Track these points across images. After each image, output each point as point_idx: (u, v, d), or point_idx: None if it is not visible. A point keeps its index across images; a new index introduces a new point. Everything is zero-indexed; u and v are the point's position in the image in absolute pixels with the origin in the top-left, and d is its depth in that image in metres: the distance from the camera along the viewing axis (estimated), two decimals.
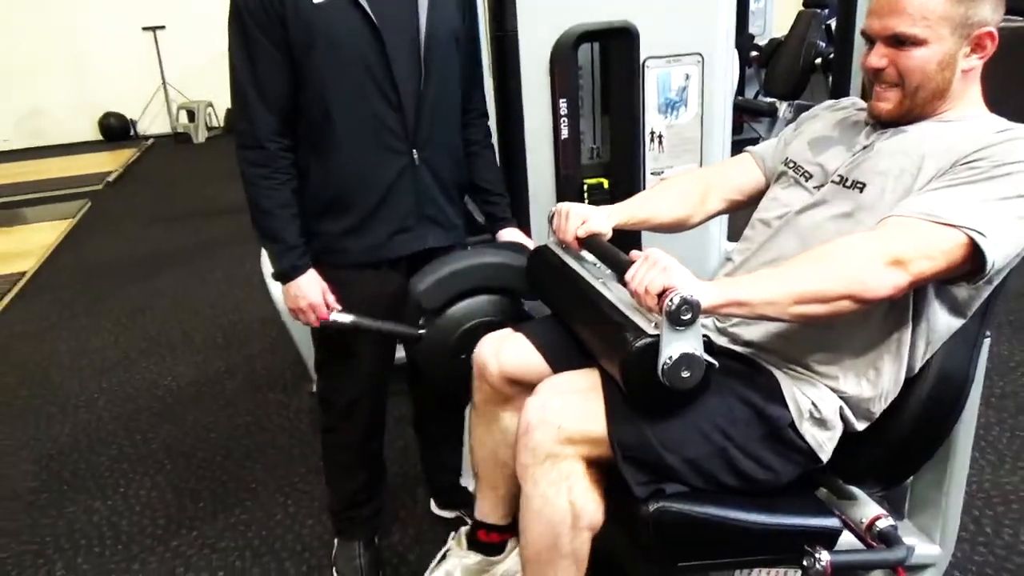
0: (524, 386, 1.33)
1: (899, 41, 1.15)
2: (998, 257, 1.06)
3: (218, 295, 3.74)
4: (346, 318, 1.52)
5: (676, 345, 1.03)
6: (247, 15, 1.40)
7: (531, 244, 1.70)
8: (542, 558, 1.19)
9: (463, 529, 1.55)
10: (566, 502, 1.14)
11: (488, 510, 1.48)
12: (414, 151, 1.51)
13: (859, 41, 3.85)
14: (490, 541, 1.50)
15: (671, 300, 1.00)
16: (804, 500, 1.29)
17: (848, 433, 1.24)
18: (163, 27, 7.55)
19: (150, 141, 7.80)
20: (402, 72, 1.45)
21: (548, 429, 1.14)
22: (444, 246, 1.61)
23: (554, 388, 1.20)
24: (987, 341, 1.32)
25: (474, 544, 1.50)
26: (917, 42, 1.14)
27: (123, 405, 2.77)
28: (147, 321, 3.52)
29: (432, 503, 2.04)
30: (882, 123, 1.24)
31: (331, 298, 1.54)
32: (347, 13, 1.40)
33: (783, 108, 5.33)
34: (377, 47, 1.42)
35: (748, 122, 5.56)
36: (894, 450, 1.29)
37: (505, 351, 1.36)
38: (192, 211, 5.17)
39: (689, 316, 1.01)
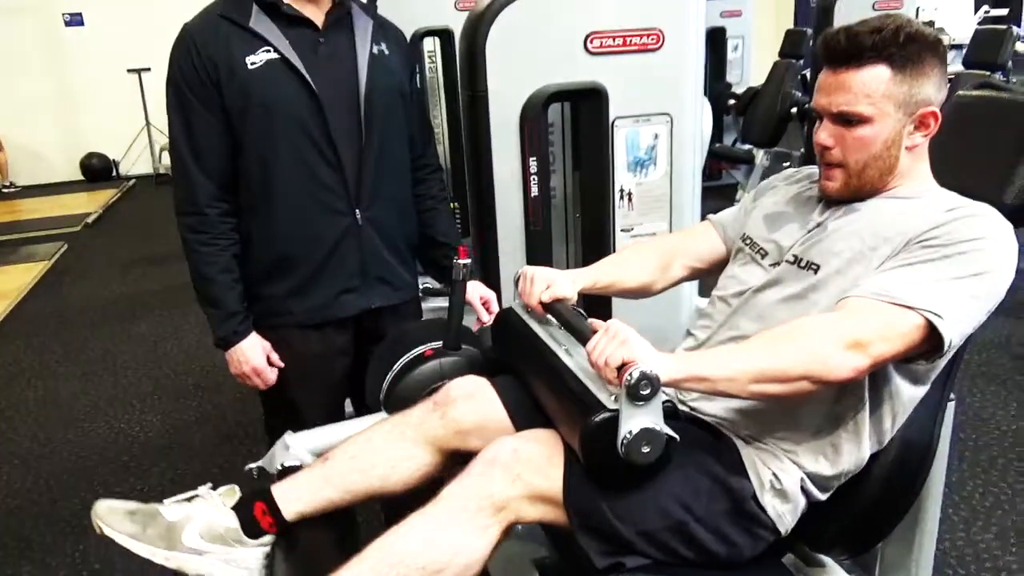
0: (472, 438, 1.28)
1: (845, 119, 1.17)
2: (955, 337, 1.06)
3: (192, 341, 3.70)
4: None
5: (636, 420, 1.01)
6: (182, 81, 1.41)
7: (493, 297, 1.70)
8: (387, 574, 1.06)
9: (231, 487, 1.27)
10: (467, 549, 1.08)
11: (294, 495, 1.23)
12: (357, 211, 1.50)
13: None
14: (262, 523, 1.21)
15: (630, 374, 0.99)
16: (771, 570, 1.27)
17: (812, 502, 1.22)
18: (148, 69, 7.57)
19: (132, 182, 7.78)
20: (341, 131, 1.45)
21: (510, 473, 1.11)
22: (394, 305, 1.60)
23: (529, 438, 1.17)
24: (951, 405, 1.32)
25: (241, 512, 1.23)
26: (862, 120, 1.15)
27: (88, 457, 2.72)
28: (118, 368, 3.47)
29: None
30: (831, 200, 1.25)
31: (275, 357, 1.53)
32: (281, 76, 1.41)
33: (760, 155, 5.42)
34: (314, 107, 1.43)
35: (727, 169, 5.65)
36: (861, 518, 1.28)
37: (477, 398, 1.32)
38: (170, 254, 5.11)
39: (648, 391, 1.00)
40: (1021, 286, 1.13)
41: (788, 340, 1.08)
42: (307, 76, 1.41)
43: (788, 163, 5.37)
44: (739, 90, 5.85)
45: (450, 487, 1.12)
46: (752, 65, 6.17)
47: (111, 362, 3.54)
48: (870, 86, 1.14)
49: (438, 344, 1.47)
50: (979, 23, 6.29)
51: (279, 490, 1.25)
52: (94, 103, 7.79)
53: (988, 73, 3.85)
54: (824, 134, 1.20)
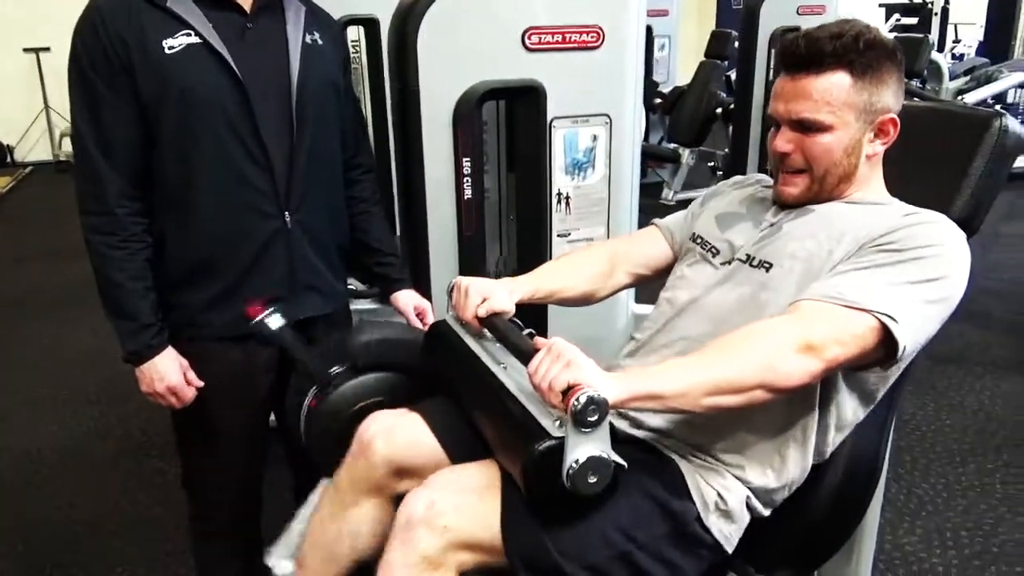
0: (407, 476, 1.20)
1: (805, 127, 1.14)
2: (909, 342, 1.04)
3: (94, 343, 3.44)
4: (275, 323, 1.32)
5: (583, 448, 0.94)
6: (88, 64, 1.25)
7: (429, 307, 1.60)
8: None
9: None
10: None
11: None
12: (286, 213, 1.37)
13: (758, 92, 3.99)
14: None
15: (577, 399, 0.91)
16: None
17: (757, 521, 1.18)
18: (47, 48, 7.09)
19: (28, 169, 7.27)
20: (269, 126, 1.32)
21: (433, 530, 1.03)
22: (323, 315, 1.48)
23: (446, 483, 1.09)
24: (894, 417, 1.31)
25: None
26: (823, 128, 1.13)
27: None
28: (13, 372, 3.20)
29: None
30: (788, 206, 1.22)
31: (192, 375, 1.38)
32: (204, 62, 1.27)
33: (686, 154, 5.49)
34: (239, 99, 1.29)
35: (653, 167, 5.68)
36: (806, 538, 1.25)
37: (398, 433, 1.23)
38: (71, 247, 4.75)
39: (596, 417, 0.92)
40: None
41: (739, 348, 1.03)
42: (232, 64, 1.27)
43: (712, 162, 5.47)
44: (665, 89, 5.89)
45: (382, 563, 1.06)
46: (678, 64, 6.24)
47: (3, 366, 3.26)
48: (831, 93, 1.11)
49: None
50: (890, 31, 6.54)
51: None
52: None
53: (906, 81, 3.97)
54: (782, 141, 1.16)
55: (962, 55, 7.39)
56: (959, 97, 4.95)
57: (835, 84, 1.11)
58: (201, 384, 1.39)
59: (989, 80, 5.06)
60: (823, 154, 1.15)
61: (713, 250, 1.28)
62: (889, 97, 1.14)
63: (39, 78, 7.19)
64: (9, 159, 7.49)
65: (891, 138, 1.17)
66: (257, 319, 1.31)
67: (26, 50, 7.10)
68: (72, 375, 3.15)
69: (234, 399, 1.45)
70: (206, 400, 1.42)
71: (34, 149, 7.54)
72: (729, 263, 1.23)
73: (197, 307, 1.38)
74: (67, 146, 7.25)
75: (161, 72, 1.25)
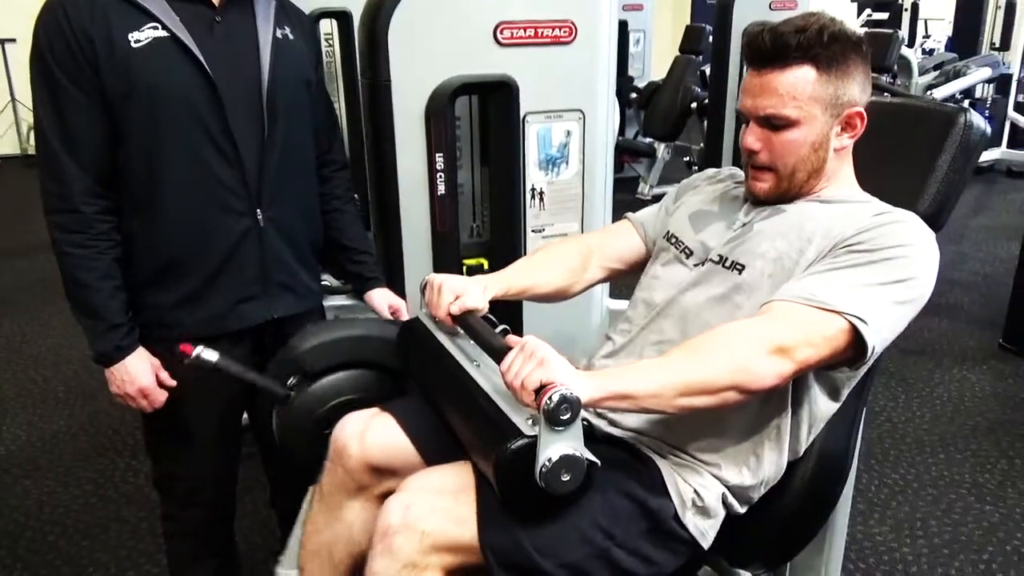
0: (386, 475, 1.21)
1: (772, 123, 1.14)
2: (878, 343, 1.05)
3: (62, 342, 3.38)
4: (211, 356, 1.30)
5: (555, 447, 0.94)
6: (50, 58, 1.22)
7: (403, 305, 1.59)
8: None
9: None
10: None
11: None
12: (258, 211, 1.35)
13: (732, 87, 4.02)
14: None
15: (550, 398, 0.91)
16: None
17: (731, 516, 1.19)
18: (12, 40, 6.94)
19: None
20: (240, 123, 1.30)
21: (411, 535, 1.02)
22: (296, 314, 1.46)
23: (421, 487, 1.08)
24: (863, 412, 1.32)
25: None
26: (789, 123, 1.13)
27: None
28: None
29: None
30: (759, 202, 1.23)
31: (164, 375, 1.35)
32: (171, 56, 1.24)
33: (661, 149, 5.51)
34: (209, 94, 1.26)
35: (629, 162, 5.69)
36: (779, 531, 1.26)
37: (371, 434, 1.23)
38: (38, 244, 4.69)
39: (569, 415, 0.92)
40: None
41: (711, 349, 1.03)
42: (201, 58, 1.25)
43: (688, 157, 5.49)
44: (640, 84, 5.90)
45: (367, 573, 1.06)
46: (653, 59, 6.25)
47: None
48: (796, 88, 1.11)
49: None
50: (861, 26, 6.60)
51: None
52: None
53: (876, 76, 4.02)
54: (751, 138, 1.17)
55: (932, 50, 7.48)
56: (928, 92, 5.02)
57: (800, 78, 1.11)
58: (173, 384, 1.37)
59: (958, 75, 5.13)
60: (791, 150, 1.15)
61: (687, 251, 1.28)
62: (855, 90, 1.14)
63: (4, 70, 7.04)
64: None
65: (858, 131, 1.17)
66: (192, 355, 1.29)
67: None
68: (40, 374, 3.10)
69: (206, 399, 1.43)
70: (177, 400, 1.40)
71: (1, 142, 7.38)
72: (702, 264, 1.23)
73: (166, 307, 1.36)
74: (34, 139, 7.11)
75: (127, 67, 1.22)
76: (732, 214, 1.26)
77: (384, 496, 1.14)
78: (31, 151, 7.11)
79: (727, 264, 1.19)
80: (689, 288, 1.22)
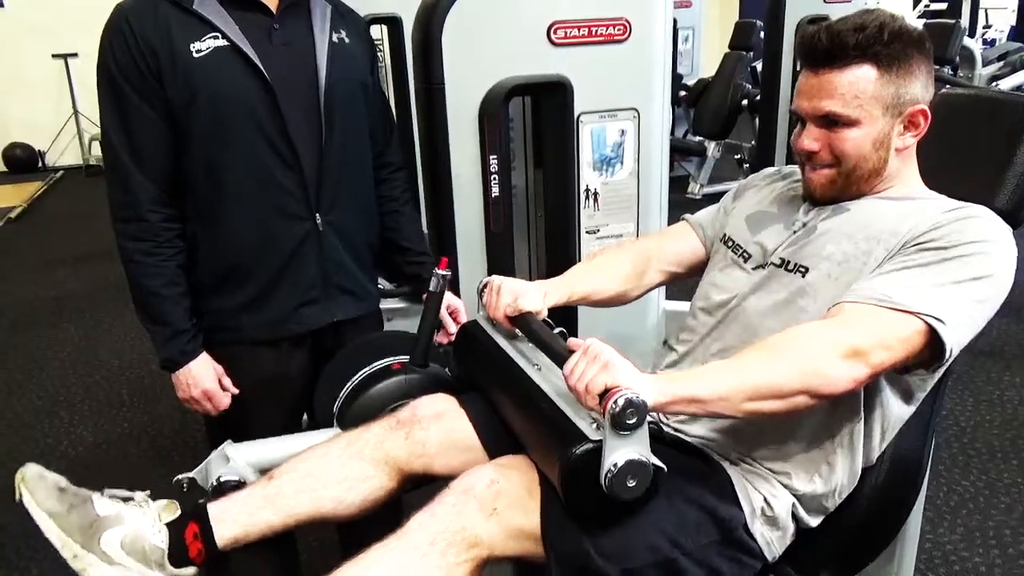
0: (435, 462, 1.18)
1: (831, 122, 1.10)
2: (956, 344, 1.01)
3: (125, 346, 3.48)
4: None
5: (621, 451, 0.92)
6: (116, 71, 1.25)
7: (461, 305, 1.59)
8: None
9: (172, 502, 1.11)
10: None
11: (231, 517, 1.09)
12: (317, 215, 1.36)
13: (784, 83, 3.92)
14: (190, 550, 1.06)
15: (615, 402, 0.89)
16: None
17: (801, 528, 1.15)
18: (75, 54, 7.19)
19: (59, 173, 7.37)
20: (299, 128, 1.31)
21: (485, 507, 1.01)
22: (356, 317, 1.47)
23: (508, 468, 1.07)
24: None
25: (174, 532, 1.07)
26: (850, 123, 1.09)
27: (9, 476, 2.47)
28: (45, 376, 3.24)
29: None
30: (817, 201, 1.19)
31: (227, 381, 1.38)
32: (232, 65, 1.26)
33: (712, 147, 5.42)
34: (268, 101, 1.28)
35: (678, 161, 5.62)
36: (850, 541, 1.21)
37: (448, 418, 1.21)
38: (101, 251, 4.83)
39: (635, 420, 0.91)
40: None
41: (782, 352, 1.00)
42: (260, 66, 1.27)
43: (739, 155, 5.40)
44: (690, 82, 5.83)
45: (419, 517, 1.02)
46: (703, 56, 6.17)
47: (36, 370, 3.30)
48: (856, 87, 1.07)
49: (404, 358, 1.34)
50: (919, 17, 6.41)
51: (216, 508, 1.09)
52: (17, 90, 7.33)
53: (938, 68, 3.89)
54: (808, 139, 1.13)
55: (994, 40, 7.23)
56: (993, 83, 4.84)
57: (860, 78, 1.07)
58: (236, 391, 1.39)
59: None
60: (851, 149, 1.11)
61: (745, 254, 1.24)
62: (918, 88, 1.10)
63: (68, 84, 7.29)
64: (40, 164, 7.61)
65: (922, 130, 1.13)
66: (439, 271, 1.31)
67: (55, 56, 7.19)
68: (104, 377, 3.19)
69: (267, 402, 1.45)
70: (237, 405, 1.42)
71: (64, 154, 7.64)
72: (763, 267, 1.20)
73: (229, 311, 1.38)
74: (96, 150, 7.34)
75: (189, 77, 1.25)
76: (791, 215, 1.22)
77: (406, 477, 1.15)
78: (93, 162, 7.35)
79: (790, 267, 1.15)
80: (750, 294, 1.18)
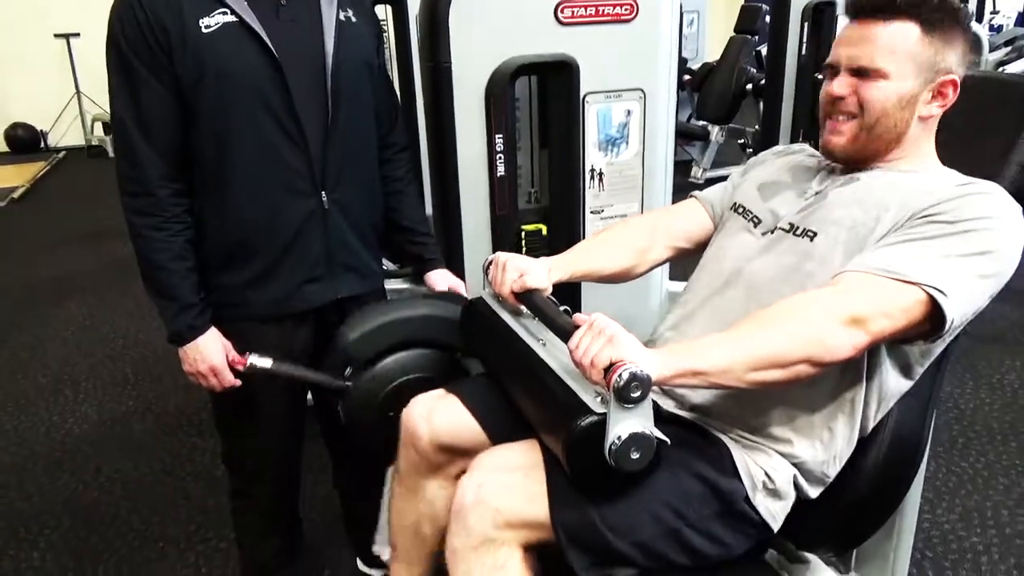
0: (456, 454, 1.23)
1: (864, 73, 1.12)
2: (957, 316, 1.02)
3: (129, 325, 3.50)
4: (264, 362, 1.35)
5: (625, 424, 0.93)
6: (126, 45, 1.25)
7: (462, 286, 1.60)
8: None
9: None
10: None
11: None
12: (323, 193, 1.37)
13: (790, 67, 3.91)
14: None
15: (619, 376, 0.91)
16: (756, 569, 1.22)
17: (801, 500, 1.17)
18: (77, 34, 7.16)
19: (62, 154, 7.37)
20: (306, 106, 1.32)
21: (485, 512, 1.04)
22: (360, 294, 1.48)
23: (492, 466, 1.09)
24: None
25: None
26: (882, 75, 1.11)
27: (16, 452, 2.53)
28: (49, 354, 3.25)
29: (358, 561, 1.90)
30: (834, 158, 1.20)
31: (235, 356, 1.39)
32: (241, 41, 1.26)
33: (715, 132, 5.41)
34: (276, 78, 1.29)
35: (682, 145, 5.61)
36: (849, 516, 1.23)
37: (437, 416, 1.25)
38: (104, 231, 4.85)
39: (639, 393, 0.92)
40: None
41: (783, 322, 1.01)
42: (268, 42, 1.27)
43: (742, 140, 5.38)
44: (694, 66, 5.80)
45: (447, 550, 1.09)
46: (707, 40, 6.14)
47: (40, 348, 3.32)
48: (895, 41, 1.09)
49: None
50: None
51: None
52: (19, 70, 7.32)
53: None
54: (838, 84, 1.14)
55: (1000, 26, 7.18)
56: (1000, 68, 4.82)
57: (902, 33, 1.09)
58: (243, 367, 1.40)
59: None
60: (878, 100, 1.12)
61: (755, 219, 1.26)
62: (953, 59, 1.11)
63: (70, 64, 7.26)
64: (43, 144, 7.60)
65: (949, 101, 1.14)
66: (247, 365, 1.35)
67: (56, 36, 7.17)
68: (108, 356, 3.20)
69: (273, 377, 1.46)
70: (246, 379, 1.43)
71: (67, 134, 7.63)
72: (772, 232, 1.21)
73: (235, 287, 1.39)
74: (99, 131, 7.34)
75: (198, 52, 1.25)
76: (805, 183, 1.24)
77: (460, 474, 1.15)
78: (95, 142, 7.35)
79: (798, 232, 1.17)
80: (757, 257, 1.20)
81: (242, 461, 1.58)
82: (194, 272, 1.35)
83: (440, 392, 1.28)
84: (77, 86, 7.36)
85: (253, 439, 1.53)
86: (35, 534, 2.11)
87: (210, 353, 1.36)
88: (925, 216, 1.06)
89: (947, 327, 1.02)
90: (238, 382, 1.40)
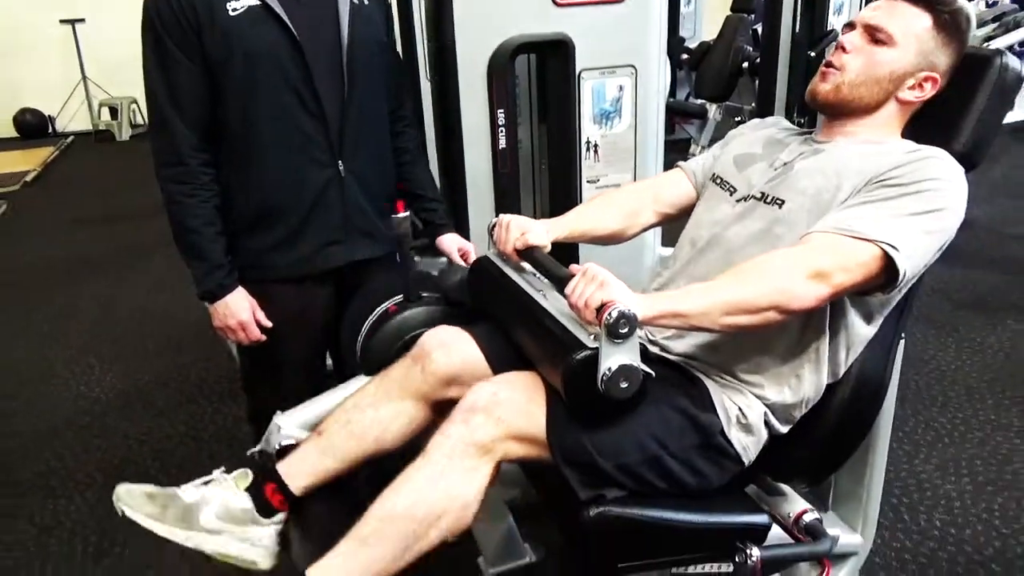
0: (455, 386, 1.32)
1: (875, 36, 1.25)
2: (909, 268, 1.13)
3: (147, 301, 3.64)
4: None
5: (615, 357, 1.06)
6: (160, 26, 1.37)
7: (471, 247, 1.73)
8: (391, 531, 1.11)
9: (243, 471, 1.33)
10: (460, 493, 1.13)
11: (297, 471, 1.30)
12: (340, 162, 1.50)
13: (784, 46, 3.99)
14: (273, 502, 1.28)
15: (610, 314, 1.03)
16: (736, 499, 1.34)
17: (774, 436, 1.30)
18: (82, 20, 7.25)
19: (70, 139, 7.47)
20: (324, 82, 1.44)
21: (490, 417, 1.15)
22: (375, 257, 1.61)
23: (508, 380, 1.21)
24: (902, 343, 1.41)
25: (254, 493, 1.29)
26: (890, 41, 1.25)
27: (47, 418, 2.67)
28: (72, 329, 3.40)
29: None
30: (816, 104, 1.32)
31: (261, 314, 1.52)
32: (264, 24, 1.39)
33: (713, 110, 5.49)
34: (297, 58, 1.41)
35: (680, 123, 5.70)
36: (818, 450, 1.36)
37: (454, 345, 1.36)
38: (118, 213, 4.99)
39: (627, 329, 1.05)
40: (958, 237, 1.22)
41: (755, 273, 1.14)
42: (290, 25, 1.39)
43: (739, 117, 5.46)
44: (692, 44, 5.88)
45: (435, 438, 1.17)
46: (705, 19, 6.20)
47: (65, 323, 3.46)
48: (912, 21, 1.24)
49: (399, 298, 1.51)
50: None
51: (284, 467, 1.31)
52: (26, 56, 7.42)
53: None
54: (849, 39, 1.28)
55: (995, 2, 7.23)
56: (986, 43, 4.90)
57: (919, 18, 1.24)
58: (269, 324, 1.53)
59: (1018, 26, 4.98)
60: (873, 65, 1.25)
61: (731, 188, 1.38)
62: (943, 60, 1.26)
63: (76, 49, 7.36)
64: (51, 129, 7.71)
65: (926, 94, 1.27)
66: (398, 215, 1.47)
67: (62, 21, 7.25)
68: (129, 330, 3.34)
69: (295, 335, 1.60)
70: (270, 336, 1.57)
71: (74, 119, 7.74)
72: (745, 200, 1.33)
73: (261, 250, 1.52)
74: (106, 116, 7.44)
75: (225, 34, 1.37)
76: (774, 155, 1.36)
77: (438, 404, 1.29)
78: (103, 127, 7.45)
79: (768, 200, 1.29)
80: (732, 223, 1.32)
81: (267, 418, 1.72)
82: (222, 236, 1.48)
83: (457, 329, 1.39)
84: (83, 71, 7.45)
85: (277, 394, 1.65)
86: (70, 490, 2.26)
87: (238, 309, 1.49)
88: (880, 180, 1.18)
89: (900, 279, 1.13)
90: (263, 337, 1.53)
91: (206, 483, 1.31)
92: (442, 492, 1.13)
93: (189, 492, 1.28)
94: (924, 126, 1.31)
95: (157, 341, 3.20)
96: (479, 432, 1.14)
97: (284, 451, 1.37)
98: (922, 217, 1.15)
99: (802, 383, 1.26)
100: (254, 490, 1.29)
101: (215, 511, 1.26)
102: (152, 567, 1.94)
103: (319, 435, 1.33)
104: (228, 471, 1.33)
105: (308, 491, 1.30)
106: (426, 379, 1.33)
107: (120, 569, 1.94)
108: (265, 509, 1.28)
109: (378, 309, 1.52)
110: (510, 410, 1.16)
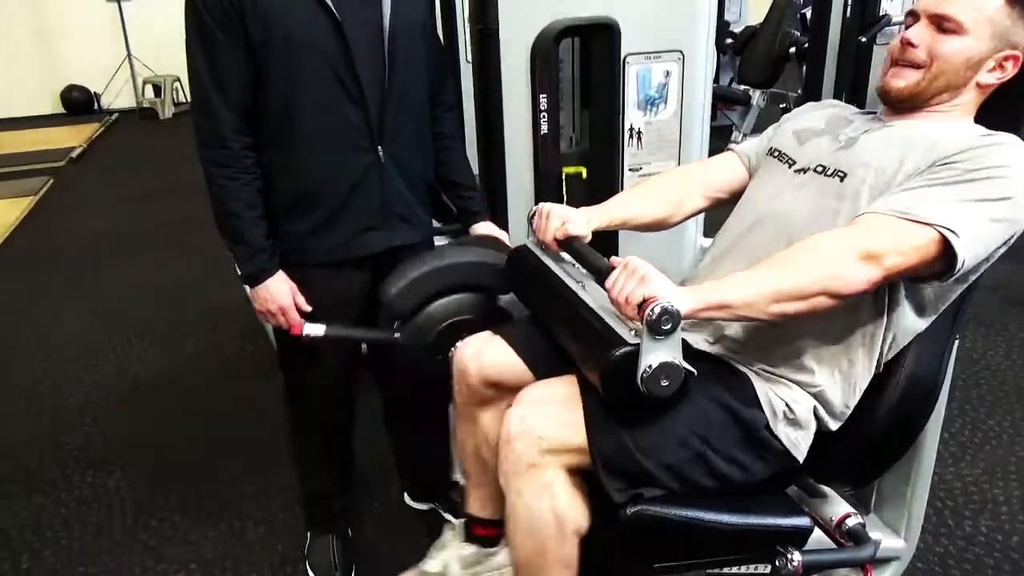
0: (504, 388, 1.34)
1: (941, 25, 1.19)
2: (968, 256, 1.07)
3: (188, 278, 3.69)
4: (318, 330, 1.49)
5: (656, 354, 1.03)
6: (204, 11, 1.36)
7: (505, 237, 1.70)
8: (532, 564, 1.20)
9: (459, 522, 1.54)
10: (549, 510, 1.15)
11: (479, 507, 1.48)
12: (379, 148, 1.48)
13: (834, 30, 3.87)
14: (484, 535, 1.48)
15: (652, 310, 1.00)
16: (776, 500, 1.31)
17: (821, 432, 1.26)
18: None
19: (114, 116, 7.61)
20: (365, 66, 1.42)
21: (529, 440, 1.15)
22: (412, 243, 1.59)
23: (534, 399, 1.20)
24: (956, 344, 1.35)
25: (470, 537, 1.49)
26: (960, 30, 1.18)
27: (89, 392, 2.73)
28: (113, 305, 3.46)
29: (405, 495, 2.04)
30: (887, 100, 1.27)
31: (301, 299, 1.52)
32: (306, 7, 1.37)
33: (757, 96, 5.37)
34: (338, 41, 1.39)
35: (722, 110, 5.59)
36: (865, 451, 1.31)
37: (485, 355, 1.36)
38: (160, 190, 5.06)
39: (669, 326, 1.02)
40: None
41: (802, 257, 1.09)
42: (332, 8, 1.37)
43: (784, 104, 5.34)
44: (737, 29, 5.75)
45: (499, 473, 1.21)
46: (750, 3, 6.06)
47: (105, 299, 3.52)
48: (976, 2, 1.16)
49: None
50: None
51: (472, 509, 1.49)
52: (73, 34, 7.56)
53: None
54: (914, 32, 1.21)
55: None
56: None
57: None
58: (309, 309, 1.53)
59: None
60: (948, 54, 1.19)
61: (790, 160, 1.34)
62: (1023, 36, 1.18)
63: (121, 27, 7.46)
64: (96, 106, 7.85)
65: (1007, 75, 1.20)
66: (303, 335, 1.48)
67: (108, 0, 7.36)
68: (168, 308, 3.39)
69: (331, 320, 1.59)
70: (308, 319, 1.56)
71: (119, 97, 7.86)
72: (805, 172, 1.29)
73: (300, 235, 1.51)
74: (149, 93, 7.55)
75: (268, 17, 1.36)
76: (839, 129, 1.31)
77: (509, 406, 1.25)
78: (147, 104, 7.56)
79: (829, 172, 1.24)
80: (788, 194, 1.28)
81: (303, 397, 1.73)
82: (263, 219, 1.47)
83: (488, 334, 1.40)
84: (128, 49, 7.56)
85: (314, 376, 1.66)
86: (110, 463, 2.30)
87: (280, 294, 1.49)
88: (946, 163, 1.12)
89: (958, 267, 1.07)
90: (302, 323, 1.53)
91: (438, 548, 1.51)
92: (533, 529, 1.18)
93: (430, 564, 1.48)
94: (993, 109, 1.25)
95: (193, 320, 3.24)
96: (523, 458, 1.15)
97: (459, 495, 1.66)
98: (987, 204, 1.09)
99: (854, 367, 1.22)
100: (469, 535, 1.49)
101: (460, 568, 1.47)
102: (186, 540, 1.96)
103: (468, 476, 1.51)
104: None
105: (492, 516, 1.47)
106: (476, 393, 1.36)
107: (158, 543, 1.97)
108: (486, 542, 1.48)
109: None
110: (546, 426, 1.15)
